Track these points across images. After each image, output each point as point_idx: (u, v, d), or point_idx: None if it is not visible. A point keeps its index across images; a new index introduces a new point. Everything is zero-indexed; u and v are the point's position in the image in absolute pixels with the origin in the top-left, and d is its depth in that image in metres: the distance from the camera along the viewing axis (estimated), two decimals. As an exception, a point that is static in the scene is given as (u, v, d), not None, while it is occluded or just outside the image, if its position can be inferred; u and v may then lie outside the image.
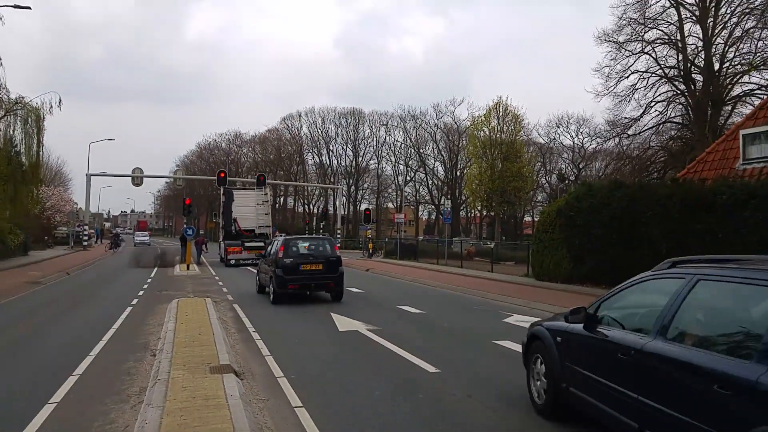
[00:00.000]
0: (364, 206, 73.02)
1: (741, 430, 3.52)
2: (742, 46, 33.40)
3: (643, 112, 36.65)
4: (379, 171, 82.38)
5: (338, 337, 11.12)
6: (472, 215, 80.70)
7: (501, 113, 50.60)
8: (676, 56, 35.94)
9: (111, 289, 20.77)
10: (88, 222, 51.10)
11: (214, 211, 60.06)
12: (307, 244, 17.43)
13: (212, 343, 9.24)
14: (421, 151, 79.09)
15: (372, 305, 16.12)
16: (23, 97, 28.09)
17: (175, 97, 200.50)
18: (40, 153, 29.52)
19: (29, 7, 24.61)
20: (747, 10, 32.26)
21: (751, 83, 34.02)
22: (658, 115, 36.99)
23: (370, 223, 50.13)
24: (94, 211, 70.47)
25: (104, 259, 39.48)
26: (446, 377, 7.93)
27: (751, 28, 32.61)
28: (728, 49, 34.14)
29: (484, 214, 65.63)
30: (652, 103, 36.49)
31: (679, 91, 36.33)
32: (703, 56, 34.74)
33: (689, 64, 35.19)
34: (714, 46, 34.37)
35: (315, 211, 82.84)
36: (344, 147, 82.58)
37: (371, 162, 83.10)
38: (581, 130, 67.78)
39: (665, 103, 36.78)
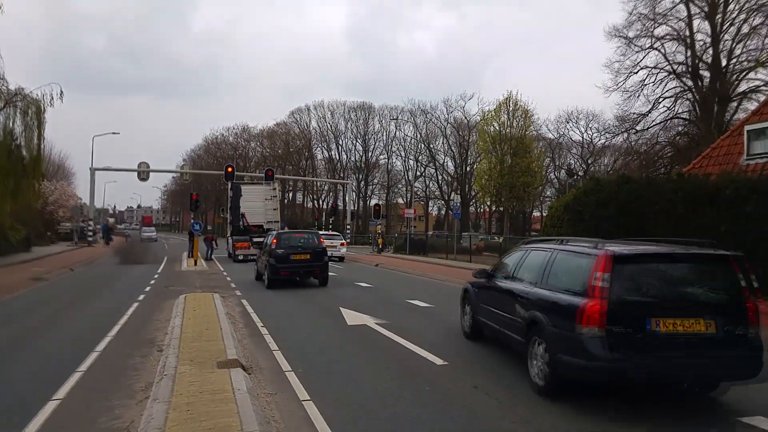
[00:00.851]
0: (373, 201, 73.08)
1: (525, 313, 7.41)
2: (749, 42, 33.43)
3: (652, 108, 36.70)
4: (389, 166, 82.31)
5: (347, 330, 11.13)
6: (482, 210, 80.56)
7: (511, 108, 50.36)
8: (684, 52, 35.89)
9: (117, 284, 20.65)
10: (92, 217, 50.75)
11: (221, 207, 60.02)
12: (297, 237, 20.29)
13: (219, 338, 9.25)
14: (431, 146, 78.95)
15: (381, 300, 16.14)
16: (23, 88, 27.28)
17: (181, 90, 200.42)
18: (42, 146, 28.59)
19: None
20: (755, 7, 32.20)
21: (757, 80, 33.96)
22: (665, 110, 37.03)
23: (379, 219, 50.09)
24: (99, 207, 70.37)
25: (109, 256, 39.30)
26: (453, 369, 7.97)
27: (758, 24, 32.58)
28: (736, 45, 34.12)
29: (494, 209, 65.43)
30: (661, 99, 36.54)
31: (686, 87, 36.23)
32: (711, 52, 34.66)
33: (697, 61, 35.09)
34: (722, 43, 34.34)
35: (324, 206, 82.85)
36: (354, 141, 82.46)
37: (381, 157, 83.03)
38: (590, 126, 67.84)
39: (673, 99, 36.77)
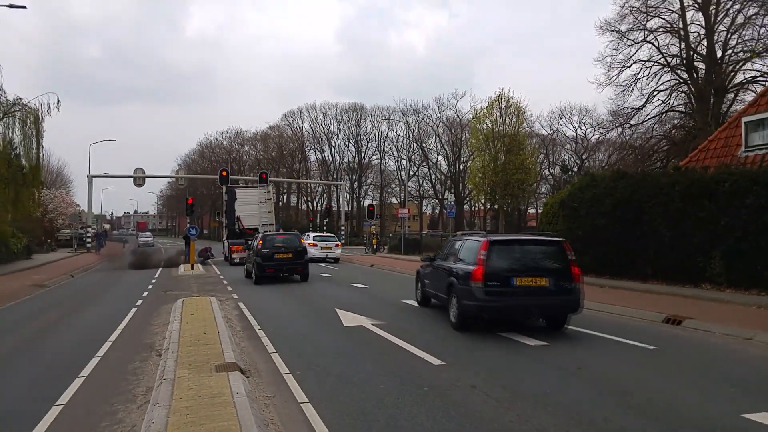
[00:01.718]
0: (367, 202, 73.17)
1: (447, 279, 11.50)
2: (744, 33, 33.27)
3: (646, 102, 36.52)
4: (382, 166, 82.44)
5: (343, 332, 11.13)
6: (476, 209, 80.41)
7: (503, 105, 50.17)
8: (678, 44, 35.70)
9: (116, 290, 20.81)
10: (90, 224, 50.79)
11: (217, 210, 60.01)
12: (279, 238, 22.41)
13: (217, 341, 9.25)
14: (424, 145, 78.96)
15: (377, 300, 16.19)
16: (21, 99, 27.67)
17: (175, 95, 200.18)
18: (40, 155, 29.04)
19: (24, 7, 24.41)
20: (749, -3, 32.06)
21: (753, 70, 33.88)
22: (660, 104, 36.85)
23: (374, 219, 50.12)
24: (97, 213, 70.37)
25: (107, 262, 39.25)
26: (450, 369, 7.97)
27: (753, 14, 32.51)
28: (730, 36, 34.00)
29: (488, 207, 65.38)
30: (655, 92, 36.34)
31: (681, 80, 36.11)
32: (705, 44, 34.57)
33: (692, 53, 34.97)
34: (716, 34, 34.20)
35: (319, 208, 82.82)
36: (346, 143, 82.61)
37: (374, 157, 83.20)
38: (584, 121, 67.67)
39: (668, 92, 36.60)
